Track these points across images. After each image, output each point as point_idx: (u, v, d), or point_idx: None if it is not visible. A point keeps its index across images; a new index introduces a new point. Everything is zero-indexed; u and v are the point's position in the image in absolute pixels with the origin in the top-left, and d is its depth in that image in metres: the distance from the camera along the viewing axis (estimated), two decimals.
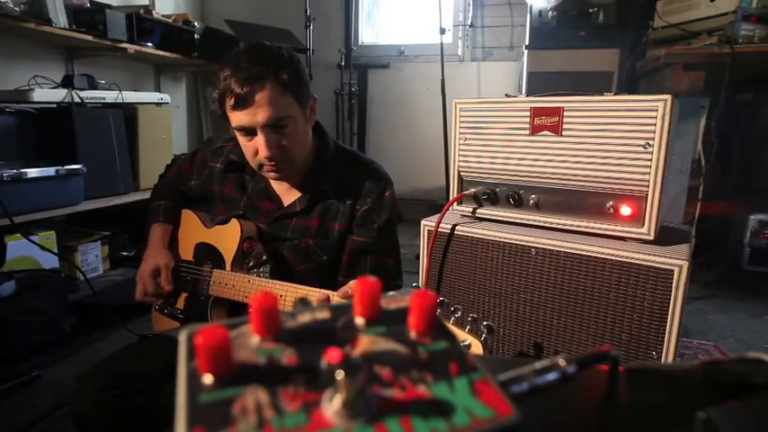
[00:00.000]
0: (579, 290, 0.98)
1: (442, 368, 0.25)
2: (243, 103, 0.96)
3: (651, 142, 0.90)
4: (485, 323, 0.75)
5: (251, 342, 0.27)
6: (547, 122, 1.01)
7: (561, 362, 0.30)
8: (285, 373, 0.25)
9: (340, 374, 0.22)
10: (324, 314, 0.30)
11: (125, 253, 2.63)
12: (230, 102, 0.97)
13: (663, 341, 0.90)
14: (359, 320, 0.29)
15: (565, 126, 0.99)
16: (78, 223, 2.51)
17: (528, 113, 1.03)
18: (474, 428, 0.21)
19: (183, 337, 0.27)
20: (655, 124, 0.89)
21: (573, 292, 0.99)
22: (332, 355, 0.23)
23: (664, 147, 0.89)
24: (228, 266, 1.13)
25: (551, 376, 0.29)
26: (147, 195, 1.36)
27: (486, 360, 0.47)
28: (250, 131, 1.00)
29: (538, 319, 1.04)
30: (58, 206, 2.08)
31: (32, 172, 1.92)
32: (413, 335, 0.28)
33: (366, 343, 0.27)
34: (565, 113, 0.99)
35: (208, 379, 0.24)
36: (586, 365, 0.31)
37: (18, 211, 1.82)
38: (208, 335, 0.24)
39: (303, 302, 0.33)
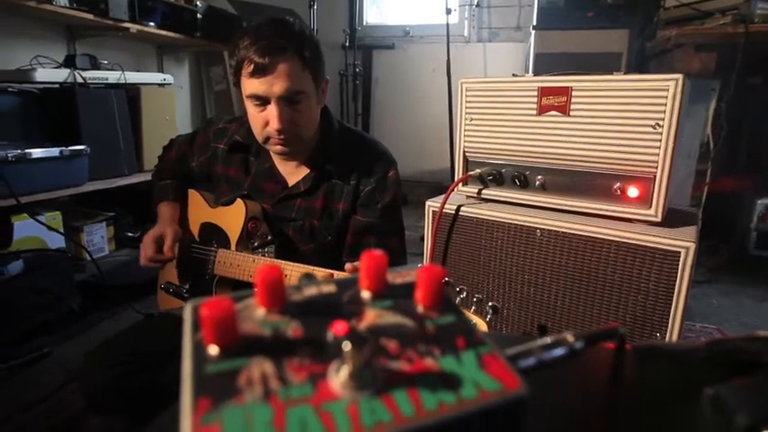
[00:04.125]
0: (584, 271, 0.98)
1: (450, 341, 0.25)
2: (262, 70, 0.95)
3: (661, 123, 0.89)
4: (490, 304, 0.75)
5: (256, 314, 0.27)
6: (555, 102, 0.99)
7: (569, 338, 0.29)
8: (291, 345, 0.25)
9: (347, 346, 0.22)
10: (330, 288, 0.30)
11: (130, 234, 2.64)
12: (248, 68, 0.96)
13: (667, 323, 0.90)
14: (365, 294, 0.29)
15: (573, 106, 0.98)
16: (82, 204, 2.52)
17: (535, 93, 1.01)
18: (482, 401, 0.21)
19: (188, 310, 0.27)
20: (665, 104, 0.88)
21: (578, 274, 0.99)
22: (338, 328, 0.23)
23: (674, 127, 0.88)
24: (233, 246, 1.13)
25: (559, 351, 0.29)
26: (150, 177, 1.36)
27: (492, 336, 0.47)
28: (264, 101, 0.99)
29: (542, 301, 1.04)
30: (63, 187, 2.08)
31: (37, 152, 1.91)
32: (420, 309, 0.28)
33: (372, 316, 0.27)
34: (573, 93, 0.97)
35: (213, 350, 0.24)
36: (594, 342, 0.31)
37: (23, 191, 1.82)
38: (213, 306, 0.24)
39: (308, 277, 0.33)
